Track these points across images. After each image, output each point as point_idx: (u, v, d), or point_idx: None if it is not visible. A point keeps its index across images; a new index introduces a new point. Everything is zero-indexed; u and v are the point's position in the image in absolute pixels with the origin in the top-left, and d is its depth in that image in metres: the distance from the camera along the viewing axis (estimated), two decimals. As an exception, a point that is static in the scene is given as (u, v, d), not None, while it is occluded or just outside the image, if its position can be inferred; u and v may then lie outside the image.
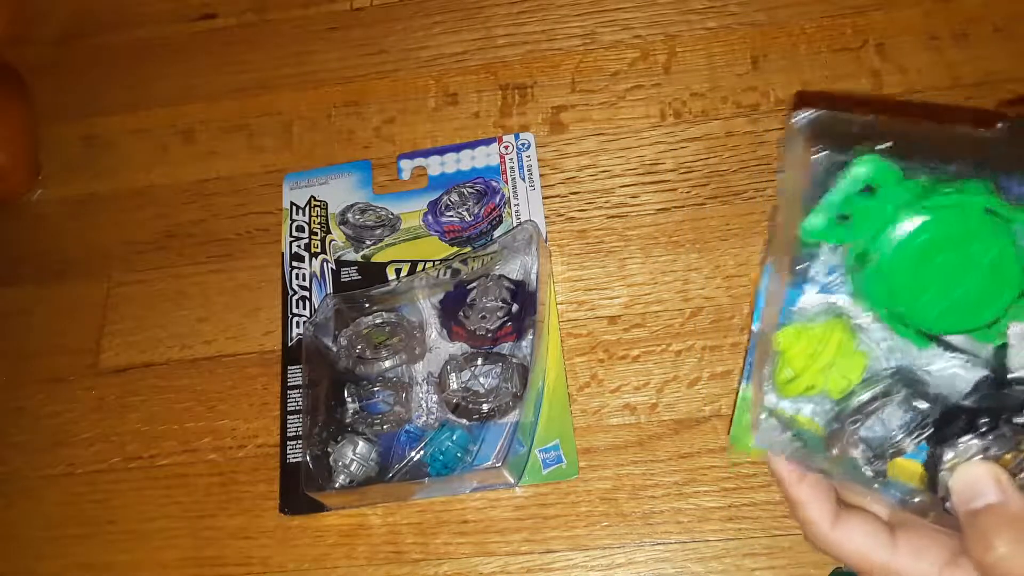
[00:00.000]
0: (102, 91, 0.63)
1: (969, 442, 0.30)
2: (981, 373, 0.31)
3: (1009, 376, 0.31)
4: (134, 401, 0.54)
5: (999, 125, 0.29)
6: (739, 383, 0.35)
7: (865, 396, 0.31)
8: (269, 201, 0.57)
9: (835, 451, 0.32)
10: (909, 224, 0.28)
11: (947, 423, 0.31)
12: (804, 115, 0.30)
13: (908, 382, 0.31)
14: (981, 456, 0.30)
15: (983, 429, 0.30)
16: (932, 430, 0.31)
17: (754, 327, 0.33)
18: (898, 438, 0.32)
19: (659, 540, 0.46)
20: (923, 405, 0.31)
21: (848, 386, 0.31)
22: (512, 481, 0.47)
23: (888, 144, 0.28)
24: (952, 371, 0.31)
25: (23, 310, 0.57)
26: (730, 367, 0.48)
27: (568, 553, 0.46)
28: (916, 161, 0.28)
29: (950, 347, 0.31)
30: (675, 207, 0.52)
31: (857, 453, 0.32)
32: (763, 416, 0.32)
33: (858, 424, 0.31)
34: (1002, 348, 0.31)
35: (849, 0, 0.55)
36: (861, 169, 0.28)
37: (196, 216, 0.58)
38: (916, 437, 0.31)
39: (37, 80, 0.62)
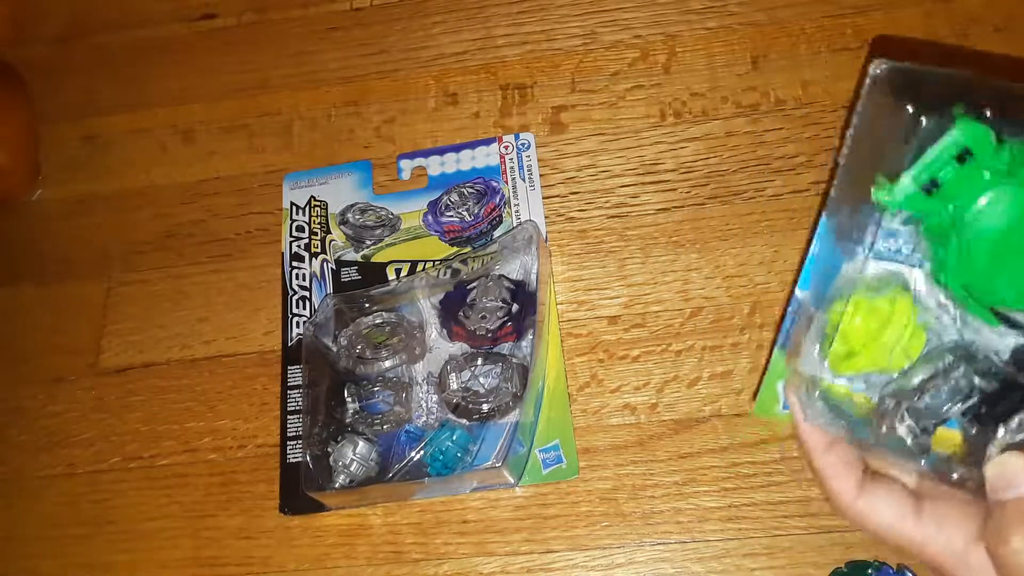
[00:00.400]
0: (102, 91, 0.63)
1: (1022, 420, 0.28)
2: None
3: None
4: (134, 401, 0.54)
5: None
6: (771, 349, 0.32)
7: (926, 374, 0.29)
8: (269, 201, 0.57)
9: (884, 428, 0.30)
10: (1001, 197, 0.26)
11: (1001, 398, 0.29)
12: (885, 64, 0.27)
13: (968, 358, 0.29)
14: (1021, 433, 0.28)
15: None
16: (984, 405, 0.29)
17: (799, 293, 0.30)
18: (948, 412, 0.30)
19: (659, 540, 0.46)
20: (982, 382, 0.29)
21: (907, 363, 0.29)
22: (512, 481, 0.47)
23: (984, 108, 0.26)
24: (1007, 347, 0.29)
25: (23, 310, 0.57)
26: (730, 367, 0.48)
27: (568, 553, 0.46)
28: (1009, 125, 0.26)
29: (1012, 323, 0.29)
30: (675, 207, 0.52)
31: (903, 429, 0.30)
32: (816, 393, 0.30)
33: (917, 399, 0.29)
34: None
35: (849, 0, 0.55)
36: (959, 134, 0.26)
37: (196, 216, 0.58)
38: (967, 412, 0.29)
39: (37, 80, 0.62)
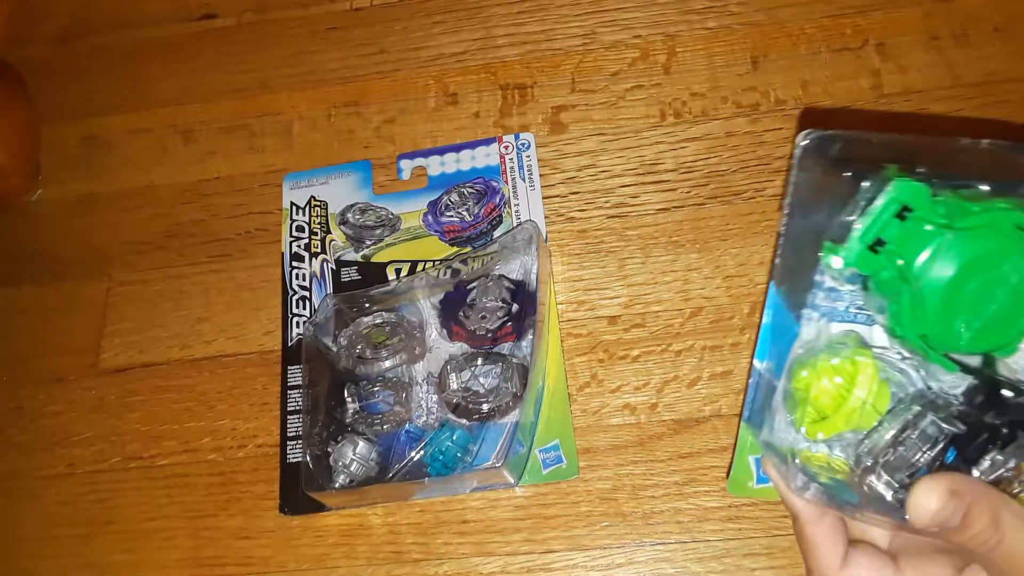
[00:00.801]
0: (102, 91, 0.63)
1: (995, 457, 0.29)
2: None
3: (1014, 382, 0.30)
4: (134, 401, 0.54)
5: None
6: (738, 425, 0.33)
7: (896, 428, 0.30)
8: (269, 201, 0.57)
9: (864, 487, 0.30)
10: (944, 247, 0.27)
11: (970, 441, 0.30)
12: (813, 133, 0.28)
13: (932, 406, 0.30)
14: (1003, 470, 0.29)
15: (1007, 442, 0.29)
16: (955, 450, 0.30)
17: (758, 364, 0.31)
18: (920, 462, 0.31)
19: (659, 540, 0.46)
20: (952, 428, 0.30)
21: (877, 419, 0.30)
22: (512, 481, 0.47)
23: (916, 165, 0.27)
24: (957, 387, 0.30)
25: (23, 310, 0.57)
26: (730, 367, 0.48)
27: (568, 553, 0.46)
28: (939, 179, 0.27)
29: (966, 368, 0.30)
30: (675, 207, 0.52)
31: (881, 485, 0.31)
32: (796, 462, 0.31)
33: (889, 455, 0.30)
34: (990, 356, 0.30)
35: (849, 0, 0.55)
36: (897, 192, 0.27)
37: (196, 216, 0.58)
38: (936, 459, 0.30)
39: (37, 80, 0.62)
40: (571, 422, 0.48)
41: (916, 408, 0.30)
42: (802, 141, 0.29)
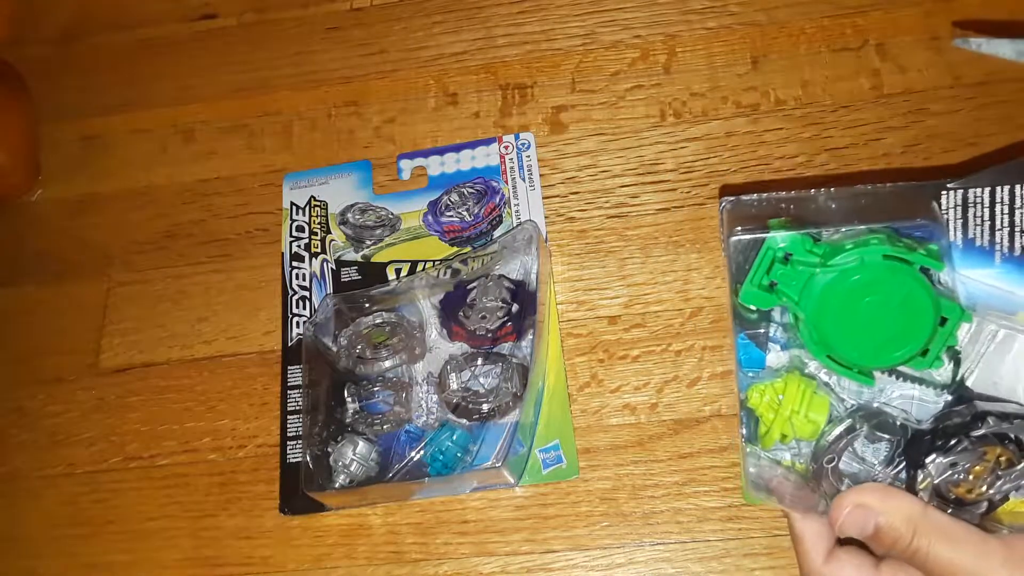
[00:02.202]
0: (102, 91, 0.63)
1: (936, 460, 0.33)
2: (940, 396, 0.34)
3: (975, 394, 0.34)
4: (134, 401, 0.54)
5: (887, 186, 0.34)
6: (741, 439, 0.37)
7: (831, 434, 0.34)
8: (269, 201, 0.57)
9: (823, 487, 0.34)
10: (821, 281, 0.33)
11: (914, 447, 0.34)
12: (731, 198, 0.35)
13: (869, 416, 0.34)
14: (950, 472, 0.33)
15: (947, 446, 0.33)
16: (896, 456, 0.34)
17: (740, 394, 0.36)
18: (877, 469, 0.35)
19: (659, 540, 0.46)
20: (886, 436, 0.34)
21: (817, 428, 0.34)
22: (512, 481, 0.47)
23: (788, 219, 0.34)
24: (912, 397, 0.35)
25: (23, 310, 0.57)
26: (730, 367, 0.48)
27: (568, 553, 0.46)
28: (824, 225, 0.33)
29: (902, 375, 0.34)
30: (675, 207, 0.52)
31: (828, 486, 0.35)
32: (752, 470, 0.36)
33: (834, 461, 0.34)
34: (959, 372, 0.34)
35: (849, 0, 0.55)
36: (774, 241, 0.33)
37: (196, 216, 0.58)
38: (893, 466, 0.34)
39: (37, 80, 0.62)
40: (571, 422, 0.48)
41: (849, 421, 0.34)
42: (722, 206, 0.35)
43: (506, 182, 0.54)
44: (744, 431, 0.36)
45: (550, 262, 0.52)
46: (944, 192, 0.34)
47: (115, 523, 0.51)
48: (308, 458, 0.47)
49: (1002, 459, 0.33)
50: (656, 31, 0.57)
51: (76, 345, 0.56)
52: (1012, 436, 0.33)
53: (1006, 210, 0.34)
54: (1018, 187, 0.34)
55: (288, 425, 0.51)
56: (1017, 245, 0.34)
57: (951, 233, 0.34)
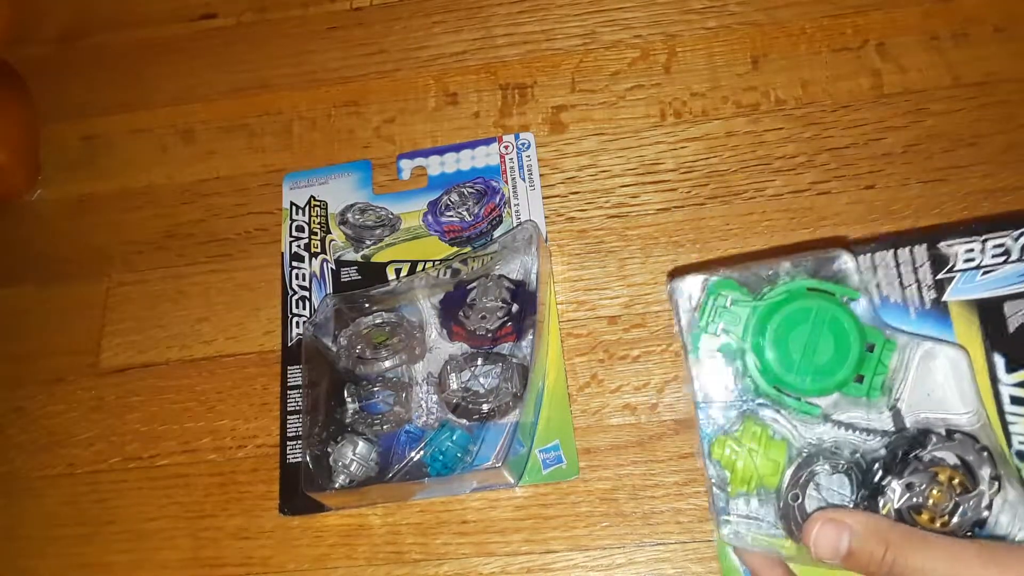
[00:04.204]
0: (102, 91, 0.63)
1: (892, 483, 0.35)
2: (884, 430, 0.37)
3: (910, 424, 0.37)
4: (134, 401, 0.54)
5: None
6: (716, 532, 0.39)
7: (790, 471, 0.36)
8: (269, 201, 0.57)
9: (793, 528, 0.36)
10: (759, 317, 0.36)
11: (870, 474, 0.36)
12: (678, 278, 0.39)
13: (824, 451, 0.36)
14: (908, 494, 0.34)
15: (898, 468, 0.35)
16: (863, 487, 0.36)
17: (704, 453, 0.38)
18: (841, 503, 0.36)
19: (659, 540, 0.46)
20: (842, 468, 0.36)
21: (778, 467, 0.36)
22: (512, 481, 0.47)
23: (727, 271, 0.38)
24: (857, 423, 0.37)
25: (23, 310, 0.57)
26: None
27: (568, 553, 0.46)
28: (758, 279, 0.38)
29: (842, 424, 0.37)
30: (675, 207, 0.52)
31: (793, 526, 0.36)
32: (725, 518, 0.37)
33: (799, 499, 0.36)
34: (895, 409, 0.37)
35: (849, 0, 0.55)
36: (712, 287, 0.37)
37: (196, 216, 0.58)
38: (856, 496, 0.36)
39: (37, 80, 0.62)
40: (571, 422, 0.48)
41: (806, 454, 0.36)
42: (671, 286, 0.39)
43: (506, 182, 0.54)
44: (715, 492, 0.38)
45: (550, 262, 0.52)
46: (852, 255, 0.38)
47: (115, 523, 0.51)
48: (308, 458, 0.47)
49: (954, 482, 0.35)
50: (656, 31, 0.57)
51: (76, 345, 0.56)
52: (961, 458, 0.35)
53: (910, 269, 0.38)
54: (915, 248, 0.38)
55: (288, 425, 0.51)
56: (927, 299, 0.38)
57: (869, 293, 0.38)
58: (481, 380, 0.48)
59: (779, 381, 0.36)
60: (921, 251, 0.38)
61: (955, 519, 0.34)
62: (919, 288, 0.38)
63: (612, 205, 0.53)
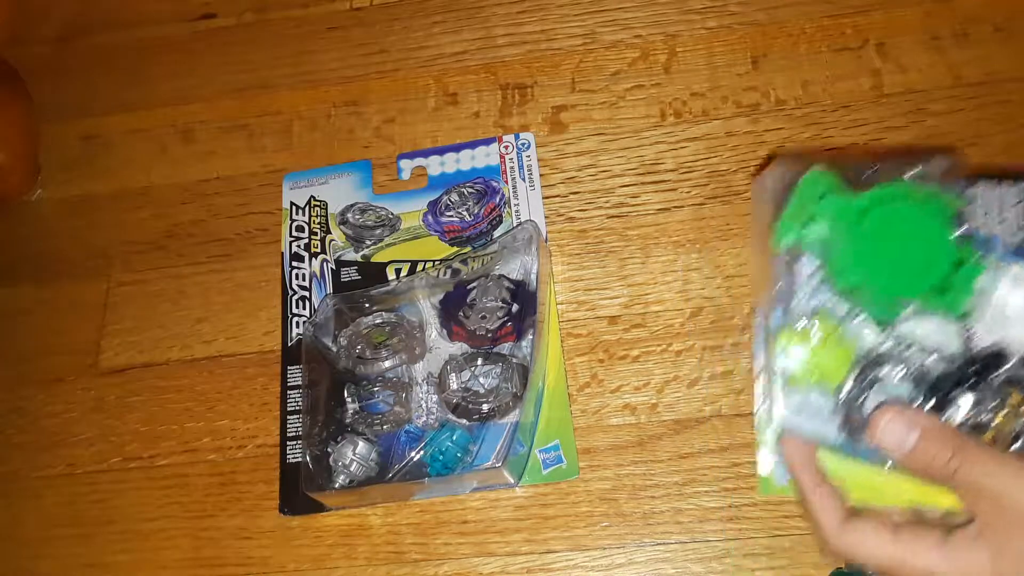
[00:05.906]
0: (102, 91, 0.63)
1: (960, 399, 0.34)
2: (956, 350, 0.36)
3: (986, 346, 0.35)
4: (134, 401, 0.53)
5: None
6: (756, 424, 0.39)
7: (855, 371, 0.36)
8: (269, 201, 0.57)
9: (851, 427, 0.35)
10: (854, 212, 0.35)
11: (938, 385, 0.35)
12: (766, 174, 0.38)
13: (894, 360, 0.35)
14: (974, 410, 0.34)
15: (970, 383, 0.34)
16: (930, 396, 0.35)
17: (756, 367, 0.38)
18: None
19: (659, 540, 0.46)
20: (910, 374, 0.35)
21: (844, 366, 0.36)
22: (512, 481, 0.47)
23: (823, 164, 0.37)
24: (930, 336, 0.36)
25: (23, 310, 0.57)
26: (730, 367, 0.48)
27: (568, 553, 0.46)
28: (858, 176, 0.37)
29: (915, 335, 0.36)
30: (675, 207, 0.52)
31: (859, 420, 0.35)
32: (783, 407, 0.36)
33: (862, 397, 0.35)
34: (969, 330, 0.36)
35: (849, 0, 0.55)
36: (810, 178, 0.36)
37: (196, 216, 0.58)
38: (920, 405, 0.35)
39: (37, 80, 0.62)
40: (571, 422, 0.48)
41: (875, 358, 0.35)
42: (768, 172, 0.38)
43: (506, 182, 0.54)
44: (760, 409, 0.37)
45: (550, 262, 0.52)
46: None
47: (115, 523, 0.51)
48: (308, 458, 0.47)
49: (1022, 409, 0.34)
50: (656, 31, 0.57)
51: (76, 345, 0.55)
52: None
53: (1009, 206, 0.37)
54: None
55: (288, 425, 0.51)
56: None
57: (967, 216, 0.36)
58: (481, 380, 0.48)
59: (862, 280, 0.35)
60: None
61: (1017, 444, 0.34)
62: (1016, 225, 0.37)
63: (612, 205, 0.53)
